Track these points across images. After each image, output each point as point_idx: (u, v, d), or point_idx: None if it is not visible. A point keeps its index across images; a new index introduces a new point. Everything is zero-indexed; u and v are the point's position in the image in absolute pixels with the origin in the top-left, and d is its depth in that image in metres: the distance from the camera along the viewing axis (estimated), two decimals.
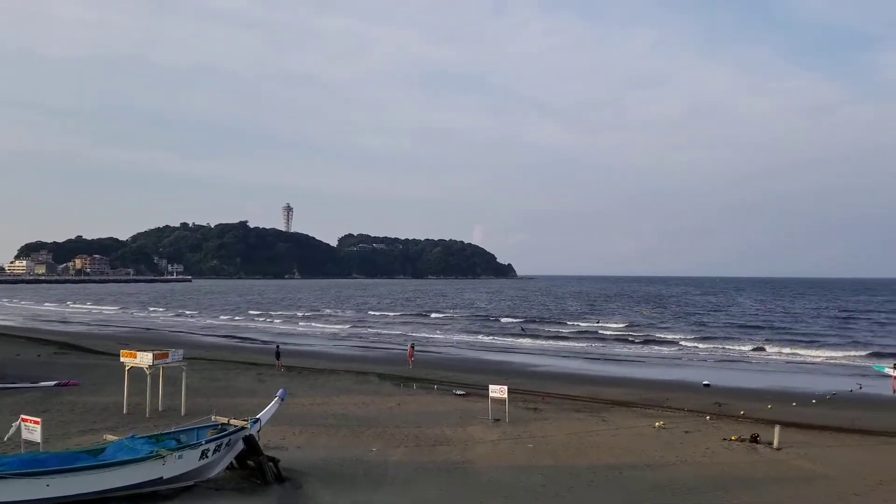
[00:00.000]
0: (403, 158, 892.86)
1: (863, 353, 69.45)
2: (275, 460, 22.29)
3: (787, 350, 72.78)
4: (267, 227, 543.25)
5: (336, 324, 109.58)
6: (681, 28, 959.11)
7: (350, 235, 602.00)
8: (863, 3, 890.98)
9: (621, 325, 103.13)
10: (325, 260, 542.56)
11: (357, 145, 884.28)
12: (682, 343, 79.56)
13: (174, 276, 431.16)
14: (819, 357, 67.82)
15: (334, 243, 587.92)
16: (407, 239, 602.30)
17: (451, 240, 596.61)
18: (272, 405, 24.37)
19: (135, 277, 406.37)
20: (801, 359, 66.80)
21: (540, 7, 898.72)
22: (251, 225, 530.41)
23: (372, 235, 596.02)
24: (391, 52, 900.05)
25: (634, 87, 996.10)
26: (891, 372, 48.48)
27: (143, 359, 31.15)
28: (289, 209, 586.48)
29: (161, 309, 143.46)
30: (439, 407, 36.99)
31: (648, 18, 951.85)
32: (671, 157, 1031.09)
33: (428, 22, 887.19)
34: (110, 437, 21.35)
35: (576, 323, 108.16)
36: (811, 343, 78.31)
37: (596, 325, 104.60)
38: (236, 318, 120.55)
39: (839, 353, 69.22)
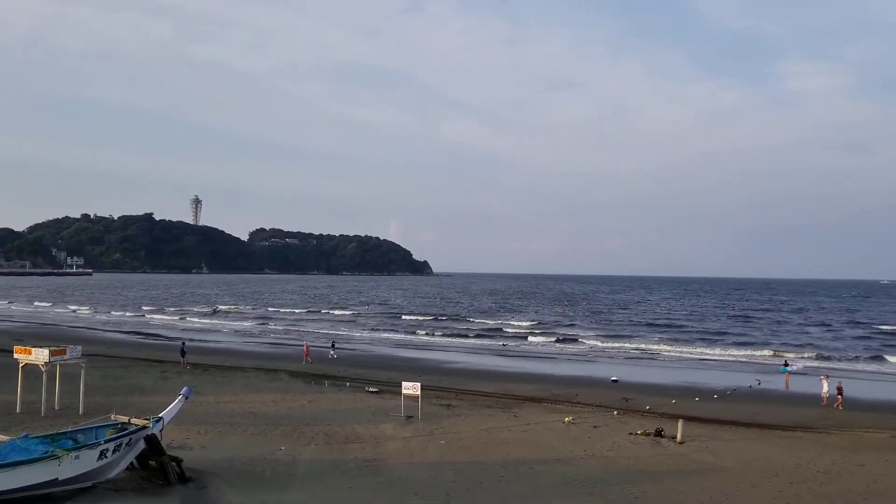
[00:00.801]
0: (318, 153, 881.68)
1: (762, 350, 72.64)
2: (178, 460, 21.56)
3: (691, 347, 75.47)
4: (174, 219, 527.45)
5: (245, 320, 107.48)
6: (594, 31, 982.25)
7: (262, 230, 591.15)
8: (768, 13, 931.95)
9: (534, 323, 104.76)
10: (236, 254, 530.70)
11: (271, 138, 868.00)
12: (592, 340, 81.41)
13: (74, 270, 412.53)
14: (721, 354, 70.60)
15: (245, 237, 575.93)
16: (321, 234, 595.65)
17: (366, 236, 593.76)
18: (176, 403, 23.60)
19: (31, 270, 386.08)
20: (705, 356, 69.36)
21: (457, 5, 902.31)
22: (157, 217, 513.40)
23: (285, 230, 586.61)
24: (306, 43, 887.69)
25: (550, 88, 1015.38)
26: (792, 368, 51.16)
27: (39, 355, 29.64)
28: (197, 202, 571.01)
29: (48, 304, 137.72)
30: (351, 404, 36.67)
31: (563, 20, 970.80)
32: (585, 157, 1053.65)
33: (344, 15, 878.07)
34: (1, 438, 20.22)
35: (490, 321, 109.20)
36: (715, 341, 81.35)
37: (510, 322, 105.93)
38: (140, 313, 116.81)
39: (740, 351, 72.30)
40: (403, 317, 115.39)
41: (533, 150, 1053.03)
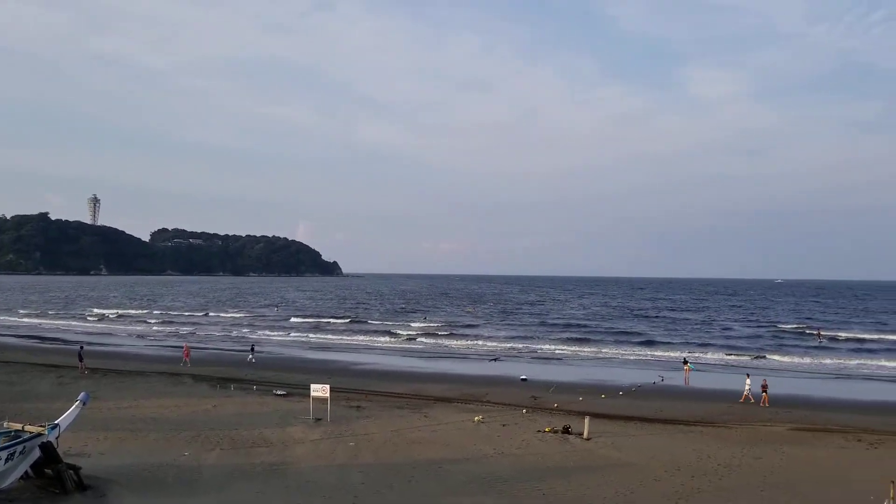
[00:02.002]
0: (225, 151, 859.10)
1: (665, 349, 75.04)
2: (75, 468, 20.64)
3: (597, 346, 77.25)
4: (71, 219, 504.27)
5: (146, 323, 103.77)
6: (506, 35, 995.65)
7: (164, 230, 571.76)
8: (673, 20, 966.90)
9: (444, 323, 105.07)
10: (137, 255, 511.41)
11: (175, 136, 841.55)
12: (502, 340, 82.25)
13: None
14: (626, 352, 72.52)
15: (147, 238, 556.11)
16: (227, 234, 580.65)
17: (274, 236, 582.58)
18: (73, 409, 22.46)
19: None
20: (611, 354, 71.07)
21: (367, 5, 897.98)
22: (53, 217, 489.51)
23: (189, 230, 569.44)
24: (214, 39, 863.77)
25: (462, 90, 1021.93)
26: (693, 365, 52.81)
27: None
28: (95, 201, 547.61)
29: None
30: (258, 408, 35.87)
31: (475, 24, 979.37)
32: (497, 159, 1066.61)
33: (254, 11, 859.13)
34: None
35: (401, 321, 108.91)
36: (621, 340, 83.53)
37: (420, 322, 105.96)
38: (35, 316, 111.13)
39: (644, 349, 74.60)
40: (312, 318, 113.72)
41: (445, 150, 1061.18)
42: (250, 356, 58.26)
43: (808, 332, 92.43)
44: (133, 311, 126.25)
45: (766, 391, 40.77)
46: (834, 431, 32.69)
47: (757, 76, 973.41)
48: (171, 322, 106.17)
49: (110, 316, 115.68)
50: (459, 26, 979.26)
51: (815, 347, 76.98)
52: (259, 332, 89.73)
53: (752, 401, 40.84)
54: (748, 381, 42.28)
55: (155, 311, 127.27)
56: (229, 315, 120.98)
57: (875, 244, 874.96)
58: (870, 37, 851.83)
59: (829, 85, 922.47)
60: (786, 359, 66.92)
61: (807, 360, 66.22)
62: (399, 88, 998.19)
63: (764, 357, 68.13)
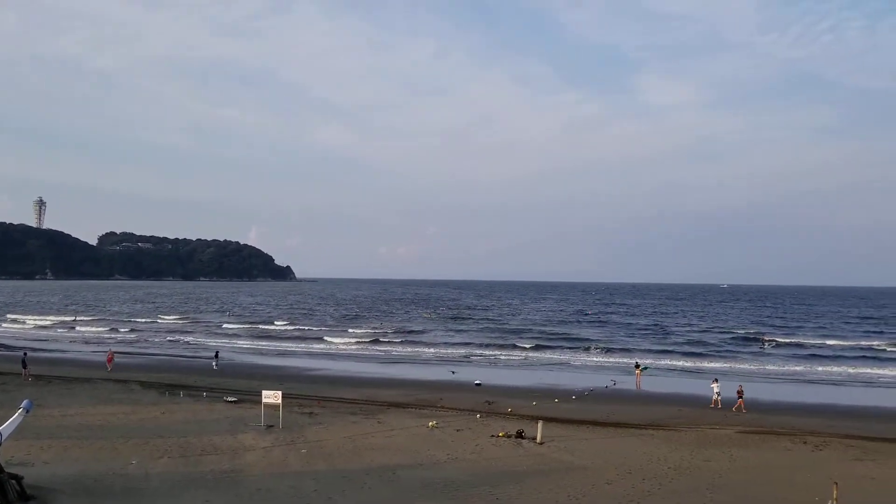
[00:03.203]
0: (175, 153, 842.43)
1: (617, 354, 75.98)
2: (18, 478, 20.04)
3: (551, 352, 77.91)
4: (15, 222, 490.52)
5: (93, 328, 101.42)
6: (460, 40, 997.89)
7: (112, 234, 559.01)
8: (626, 28, 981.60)
9: (401, 328, 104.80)
10: (84, 259, 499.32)
11: (125, 138, 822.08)
12: (458, 344, 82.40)
13: None
14: (580, 356, 73.30)
15: (94, 242, 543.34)
16: (177, 238, 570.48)
17: (225, 240, 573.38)
18: (15, 418, 21.71)
19: None
20: (565, 359, 71.70)
21: (322, 8, 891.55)
22: None
23: (137, 234, 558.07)
24: (165, 40, 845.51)
25: (418, 95, 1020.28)
26: (644, 369, 53.53)
27: None
28: (41, 203, 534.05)
29: None
30: (208, 415, 35.29)
31: (429, 28, 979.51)
32: (452, 164, 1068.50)
33: (206, 12, 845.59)
34: None
35: (355, 327, 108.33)
36: (576, 345, 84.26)
37: (375, 327, 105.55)
38: None
39: (597, 354, 75.54)
40: (264, 324, 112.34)
41: (401, 154, 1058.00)
42: (214, 363, 57.30)
43: (755, 337, 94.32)
44: (79, 318, 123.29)
45: (741, 396, 40.91)
46: (781, 434, 33.39)
47: (708, 84, 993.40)
48: (122, 326, 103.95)
49: (60, 320, 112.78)
50: (414, 31, 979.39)
51: (762, 352, 78.69)
52: (208, 338, 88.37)
53: (720, 406, 41.28)
54: (715, 385, 42.71)
55: (101, 317, 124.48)
56: (178, 320, 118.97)
57: (821, 250, 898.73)
58: (817, 46, 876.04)
59: (777, 93, 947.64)
60: (734, 364, 68.17)
61: (754, 364, 67.61)
62: (354, 92, 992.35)
63: (715, 361, 69.35)
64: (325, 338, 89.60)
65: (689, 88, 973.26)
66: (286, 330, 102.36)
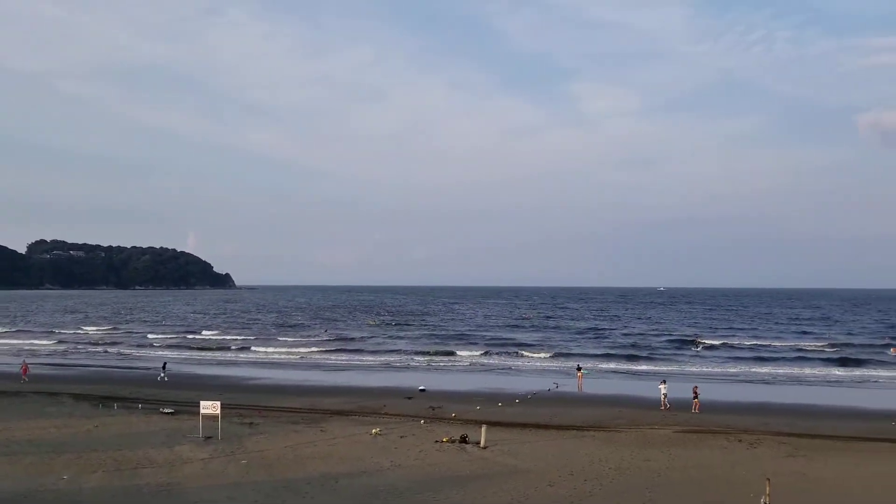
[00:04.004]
0: (107, 159, 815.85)
1: (559, 356, 76.84)
2: None
3: (498, 355, 78.47)
4: None
5: (21, 339, 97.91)
6: (398, 46, 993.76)
7: (42, 241, 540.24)
8: (561, 36, 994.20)
9: (343, 335, 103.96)
10: (11, 269, 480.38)
11: (52, 143, 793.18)
12: (401, 352, 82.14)
13: None
14: (524, 360, 73.97)
15: (23, 250, 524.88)
16: (111, 246, 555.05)
17: (161, 247, 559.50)
18: None
19: None
20: (510, 363, 72.26)
21: (257, 11, 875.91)
22: None
23: (69, 242, 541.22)
24: (94, 43, 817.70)
25: (355, 100, 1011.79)
26: (585, 371, 54.19)
27: None
28: None
29: None
30: (144, 427, 34.39)
31: (368, 33, 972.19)
32: (391, 169, 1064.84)
33: (137, 15, 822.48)
34: None
35: (299, 335, 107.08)
36: (521, 348, 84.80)
37: (321, 335, 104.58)
38: None
39: (541, 356, 76.19)
40: (202, 333, 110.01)
41: (338, 159, 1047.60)
42: (162, 374, 55.79)
43: (690, 339, 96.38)
44: (9, 326, 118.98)
45: (697, 397, 41.59)
46: (717, 433, 34.20)
47: (643, 92, 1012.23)
48: (52, 336, 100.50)
49: None
50: (350, 35, 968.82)
51: (696, 354, 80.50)
52: (139, 350, 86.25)
53: (669, 406, 41.85)
54: (663, 387, 43.36)
55: (36, 326, 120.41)
56: (106, 331, 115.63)
57: (750, 253, 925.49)
58: (749, 55, 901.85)
59: (710, 101, 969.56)
60: (670, 367, 69.65)
61: (690, 366, 69.29)
62: (290, 96, 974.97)
63: (653, 363, 70.73)
64: (265, 347, 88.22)
65: (623, 96, 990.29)
66: (224, 339, 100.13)
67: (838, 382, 57.59)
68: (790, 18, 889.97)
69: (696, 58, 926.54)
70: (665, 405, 42.04)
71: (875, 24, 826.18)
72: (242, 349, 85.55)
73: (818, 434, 33.68)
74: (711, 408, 41.33)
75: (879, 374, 62.94)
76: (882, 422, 37.38)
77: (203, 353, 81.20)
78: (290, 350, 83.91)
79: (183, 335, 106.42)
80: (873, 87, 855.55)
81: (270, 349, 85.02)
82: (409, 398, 45.56)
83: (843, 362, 70.39)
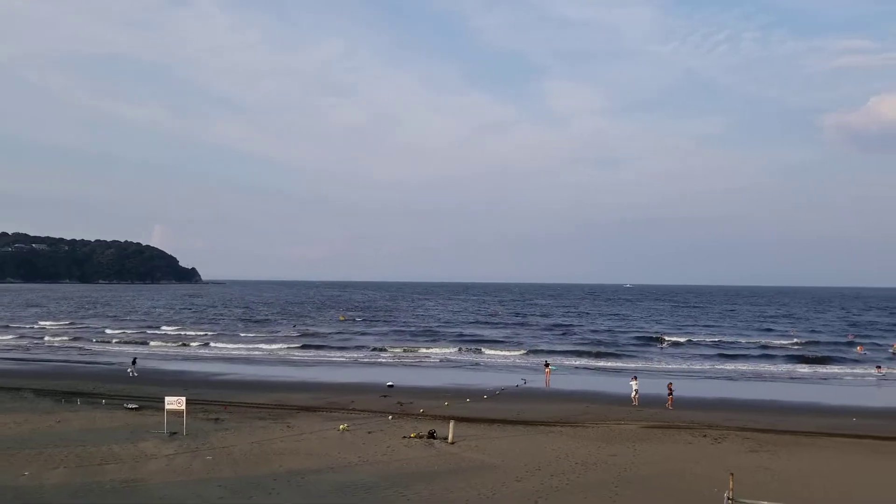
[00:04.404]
0: (71, 151, 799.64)
1: (528, 353, 77.22)
2: None
3: (468, 350, 78.71)
4: None
5: None
6: (368, 40, 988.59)
7: (4, 234, 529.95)
8: (531, 34, 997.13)
9: (314, 330, 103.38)
10: None
11: (12, 133, 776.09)
12: (377, 345, 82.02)
13: None
14: (493, 356, 74.20)
15: None
16: (74, 239, 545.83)
17: (126, 241, 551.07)
18: None
19: None
20: (479, 358, 72.48)
21: (225, 3, 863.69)
22: None
23: (31, 234, 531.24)
24: (56, 32, 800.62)
25: (325, 94, 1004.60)
26: (553, 367, 54.48)
27: None
28: None
29: None
30: (108, 423, 33.88)
31: (337, 27, 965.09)
32: (362, 164, 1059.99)
33: (102, 4, 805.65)
34: None
35: (268, 330, 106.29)
36: (490, 345, 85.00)
37: (290, 331, 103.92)
38: None
39: (509, 352, 76.54)
40: (166, 328, 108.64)
41: (308, 154, 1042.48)
42: (130, 369, 54.97)
43: (657, 336, 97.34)
44: None
45: (671, 393, 41.95)
46: (682, 428, 34.63)
47: (611, 90, 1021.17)
48: (12, 331, 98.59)
49: None
50: (321, 29, 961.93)
51: (662, 351, 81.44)
52: (101, 345, 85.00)
53: (638, 403, 42.19)
54: (634, 383, 43.72)
55: None
56: (64, 326, 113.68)
57: (716, 251, 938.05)
58: (714, 55, 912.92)
59: (676, 100, 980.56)
60: (637, 363, 70.32)
61: (657, 362, 70.15)
62: (258, 89, 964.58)
63: (621, 360, 71.36)
64: (230, 342, 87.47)
65: (592, 94, 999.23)
66: (189, 335, 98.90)
67: (802, 379, 58.63)
68: (757, 20, 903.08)
69: (663, 57, 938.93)
70: (636, 401, 42.42)
71: (839, 26, 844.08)
72: (208, 345, 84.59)
73: (782, 429, 34.26)
74: (677, 404, 41.78)
75: (842, 370, 64.21)
76: (843, 418, 38.14)
77: (167, 348, 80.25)
78: (256, 346, 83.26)
79: (147, 330, 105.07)
80: (837, 88, 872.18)
81: (236, 345, 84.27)
82: (381, 395, 45.44)
83: (807, 359, 71.59)
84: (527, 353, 76.24)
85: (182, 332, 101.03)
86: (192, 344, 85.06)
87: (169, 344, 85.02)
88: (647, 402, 42.31)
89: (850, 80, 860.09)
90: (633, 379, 44.50)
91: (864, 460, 28.03)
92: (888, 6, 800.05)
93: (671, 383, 43.60)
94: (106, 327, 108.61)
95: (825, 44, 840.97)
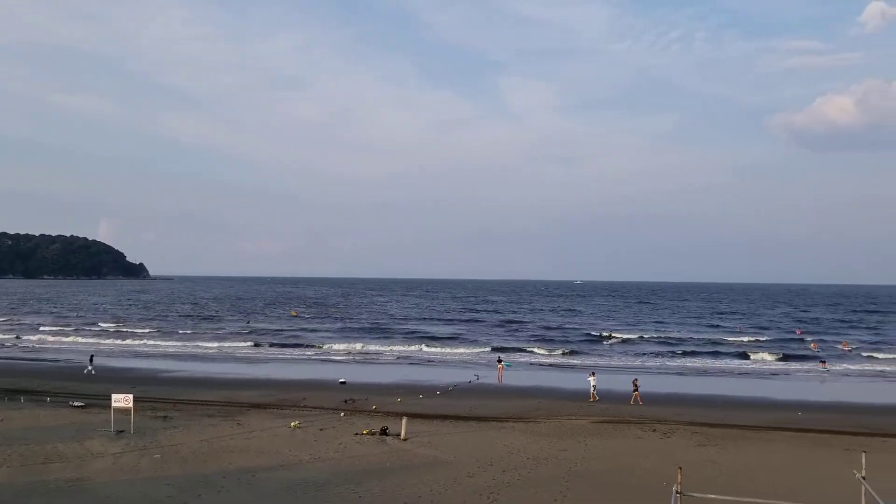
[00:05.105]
0: (13, 143, 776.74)
1: (480, 348, 77.54)
2: None
3: (421, 346, 78.66)
4: None
5: None
6: (325, 35, 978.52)
7: None
8: (489, 31, 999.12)
9: (265, 327, 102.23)
10: None
11: None
12: (329, 341, 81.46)
13: None
14: (447, 352, 74.38)
15: None
16: (18, 234, 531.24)
17: (72, 236, 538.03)
18: None
19: None
20: (433, 354, 72.63)
21: None
22: None
23: None
24: (4, 23, 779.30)
25: (280, 88, 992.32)
26: (506, 363, 54.78)
27: None
28: None
29: None
30: (53, 421, 33.07)
31: (291, 21, 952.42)
32: (317, 158, 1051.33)
33: None
34: None
35: (218, 327, 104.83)
36: (444, 341, 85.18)
37: (240, 327, 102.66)
38: None
39: (462, 349, 76.80)
40: (114, 324, 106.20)
41: (262, 147, 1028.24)
42: (89, 367, 53.57)
43: (607, 333, 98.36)
44: None
45: (637, 389, 42.45)
46: (632, 423, 35.15)
47: (567, 88, 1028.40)
48: None
49: None
50: (277, 22, 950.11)
51: (610, 348, 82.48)
52: (55, 339, 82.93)
53: (597, 399, 42.54)
54: (592, 379, 44.14)
55: None
56: (13, 321, 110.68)
57: (666, 248, 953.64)
58: (667, 54, 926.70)
59: (630, 98, 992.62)
60: (588, 360, 71.19)
61: (607, 358, 71.13)
62: (211, 82, 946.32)
63: (573, 356, 72.18)
64: (179, 339, 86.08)
65: (549, 92, 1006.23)
66: (136, 332, 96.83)
67: (749, 374, 59.99)
68: (709, 20, 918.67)
69: (618, 55, 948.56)
70: (594, 397, 42.88)
71: (789, 27, 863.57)
72: (155, 341, 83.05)
73: (730, 424, 35.01)
74: (627, 398, 42.40)
75: (788, 366, 65.93)
76: (789, 412, 39.14)
77: (114, 345, 78.54)
78: (206, 343, 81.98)
79: (92, 326, 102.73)
80: (787, 88, 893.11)
81: (185, 342, 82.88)
82: (333, 392, 45.17)
83: (754, 354, 73.22)
84: (480, 350, 76.55)
85: (129, 329, 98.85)
86: (139, 341, 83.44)
87: (116, 341, 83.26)
88: (604, 398, 42.79)
89: (799, 81, 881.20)
90: (591, 375, 45.01)
91: (808, 453, 28.81)
92: (836, 7, 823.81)
93: (636, 379, 44.28)
94: (50, 323, 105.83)
95: (776, 44, 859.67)
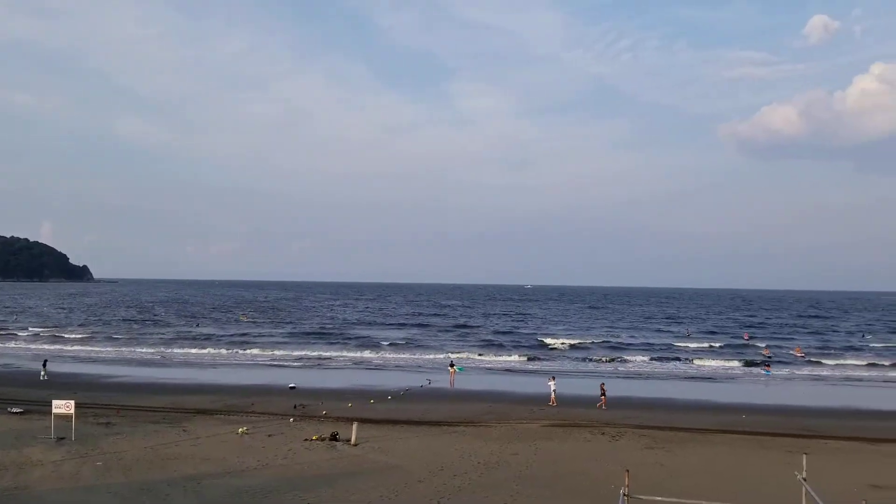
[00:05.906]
0: None
1: (433, 354, 77.38)
2: None
3: (373, 351, 78.29)
4: None
5: None
6: (278, 36, 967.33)
7: None
8: (441, 35, 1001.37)
9: (212, 333, 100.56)
10: None
11: None
12: (277, 347, 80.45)
13: None
14: (398, 356, 74.09)
15: None
16: None
17: (12, 237, 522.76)
18: None
19: None
20: (385, 359, 72.21)
21: None
22: None
23: None
24: None
25: (233, 88, 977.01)
26: (459, 367, 54.74)
27: None
28: None
29: None
30: None
31: (246, 22, 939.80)
32: (268, 159, 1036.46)
33: None
34: None
35: (160, 330, 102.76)
36: (395, 345, 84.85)
37: (187, 331, 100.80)
38: None
39: (414, 354, 76.56)
40: (53, 328, 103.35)
41: (212, 149, 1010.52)
42: (42, 372, 51.79)
43: (559, 340, 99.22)
44: None
45: (604, 394, 42.66)
46: (581, 426, 35.44)
47: (519, 94, 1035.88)
48: None
49: None
50: (230, 22, 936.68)
51: (562, 352, 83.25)
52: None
53: (556, 403, 42.63)
54: (552, 383, 44.22)
55: None
56: None
57: (618, 253, 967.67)
58: (618, 63, 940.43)
59: (583, 105, 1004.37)
60: (541, 365, 71.69)
61: (559, 362, 71.77)
62: (163, 82, 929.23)
63: (531, 362, 72.52)
64: (123, 344, 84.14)
65: (502, 97, 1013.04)
66: (76, 337, 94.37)
67: (697, 378, 60.93)
68: (659, 30, 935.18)
69: (570, 62, 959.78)
70: (554, 401, 43.07)
71: (736, 38, 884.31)
72: (97, 346, 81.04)
73: (677, 427, 35.55)
74: (577, 402, 42.78)
75: (734, 370, 67.24)
76: (734, 415, 39.88)
77: (55, 349, 76.34)
78: (151, 347, 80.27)
79: (30, 329, 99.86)
80: (733, 98, 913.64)
81: (129, 347, 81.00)
82: (282, 397, 44.57)
83: (701, 360, 74.41)
84: (431, 354, 76.42)
85: (70, 335, 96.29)
86: (81, 346, 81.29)
87: (56, 346, 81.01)
88: (560, 401, 43.00)
89: (745, 91, 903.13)
90: (552, 379, 45.16)
91: (752, 455, 29.39)
92: (781, 19, 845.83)
93: (603, 384, 44.60)
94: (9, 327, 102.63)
95: (723, 54, 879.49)
